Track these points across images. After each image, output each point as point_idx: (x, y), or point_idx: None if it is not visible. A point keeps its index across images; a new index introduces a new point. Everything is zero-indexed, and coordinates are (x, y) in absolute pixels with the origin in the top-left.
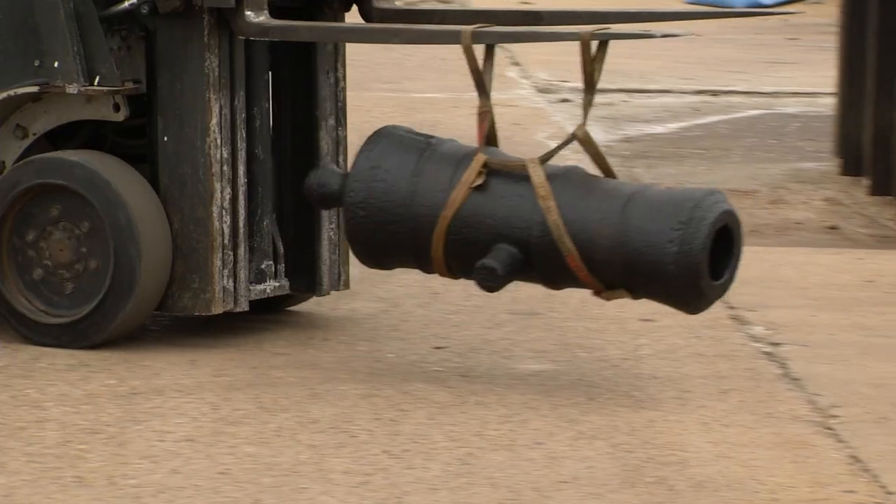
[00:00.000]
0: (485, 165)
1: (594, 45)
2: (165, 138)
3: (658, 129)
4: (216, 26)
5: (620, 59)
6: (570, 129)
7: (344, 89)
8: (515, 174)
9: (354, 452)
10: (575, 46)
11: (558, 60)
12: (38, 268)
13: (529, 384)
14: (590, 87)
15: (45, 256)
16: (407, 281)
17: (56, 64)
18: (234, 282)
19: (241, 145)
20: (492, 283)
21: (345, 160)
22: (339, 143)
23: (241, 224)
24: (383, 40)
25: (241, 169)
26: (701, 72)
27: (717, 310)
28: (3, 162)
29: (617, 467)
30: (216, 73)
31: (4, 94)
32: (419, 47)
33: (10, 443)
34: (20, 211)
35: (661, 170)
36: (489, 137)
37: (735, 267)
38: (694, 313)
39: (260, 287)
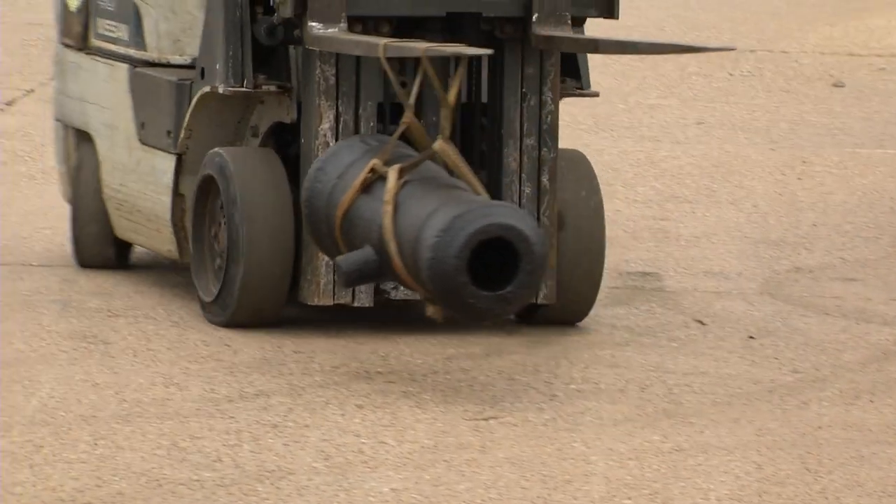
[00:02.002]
0: (372, 170)
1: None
2: (302, 140)
3: None
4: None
5: None
6: None
7: (552, 113)
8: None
9: None
10: None
11: None
12: (217, 253)
13: None
14: (444, 101)
15: (217, 242)
16: None
17: (217, 66)
18: None
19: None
20: (340, 279)
21: (549, 179)
22: (543, 163)
23: None
24: (369, 52)
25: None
26: None
27: None
28: None
29: None
30: (330, 82)
31: (201, 92)
32: None
33: (556, 495)
34: (210, 201)
35: None
36: (417, 148)
37: (526, 281)
38: (475, 321)
39: None
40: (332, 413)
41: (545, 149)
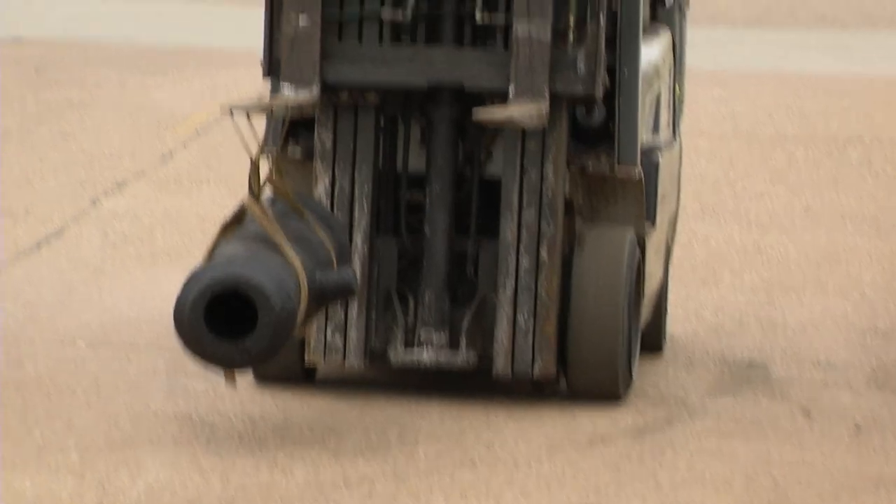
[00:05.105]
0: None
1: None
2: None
3: None
4: (329, 99)
5: None
6: None
7: (552, 187)
8: None
9: None
10: None
11: None
12: None
13: None
14: (252, 162)
15: None
16: None
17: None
18: (344, 338)
19: (362, 215)
20: None
21: (547, 252)
22: (542, 237)
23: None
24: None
25: (359, 237)
26: None
27: None
28: None
29: None
30: (326, 146)
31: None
32: None
33: None
34: None
35: None
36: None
37: (266, 333)
38: (213, 365)
39: (415, 352)
40: (436, 500)
41: (545, 223)
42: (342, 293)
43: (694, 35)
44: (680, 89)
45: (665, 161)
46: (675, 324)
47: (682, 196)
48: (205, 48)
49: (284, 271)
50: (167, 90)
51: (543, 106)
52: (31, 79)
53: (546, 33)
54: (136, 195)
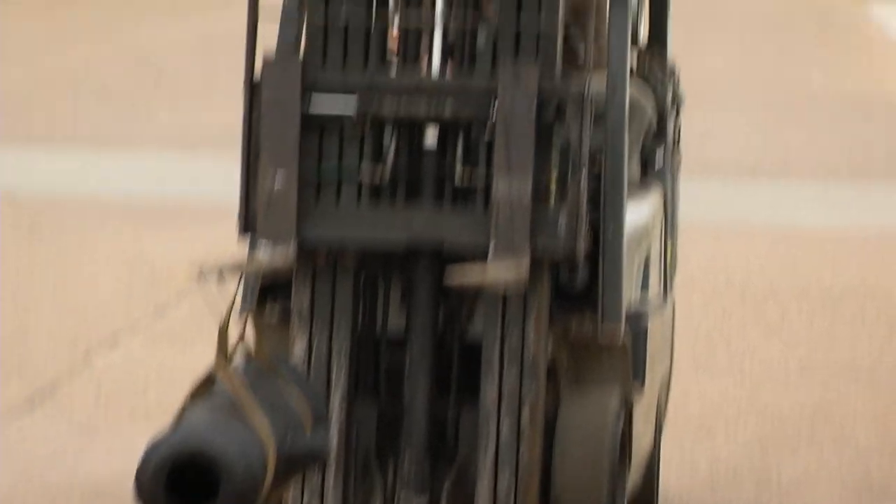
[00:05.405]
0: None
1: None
2: None
3: None
4: (307, 259)
5: None
6: None
7: (533, 349)
8: None
9: None
10: None
11: None
12: None
13: None
14: (220, 327)
15: None
16: None
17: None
18: None
19: (340, 377)
20: None
21: (529, 417)
22: (524, 402)
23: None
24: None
25: (337, 399)
26: None
27: None
28: None
29: None
30: (303, 307)
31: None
32: None
33: None
34: None
35: None
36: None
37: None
38: None
39: None
40: None
41: (526, 386)
42: (313, 459)
43: (686, 187)
44: (672, 248)
45: (654, 323)
46: (669, 478)
47: (674, 352)
48: (201, 200)
49: (250, 438)
50: (162, 244)
51: (523, 266)
52: (24, 234)
53: (527, 190)
54: (130, 350)
